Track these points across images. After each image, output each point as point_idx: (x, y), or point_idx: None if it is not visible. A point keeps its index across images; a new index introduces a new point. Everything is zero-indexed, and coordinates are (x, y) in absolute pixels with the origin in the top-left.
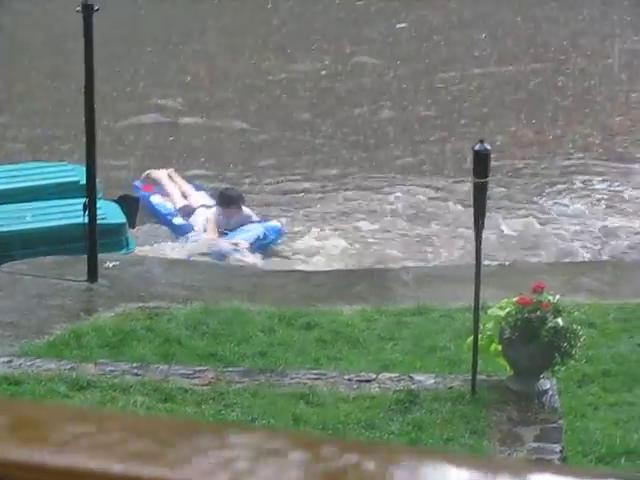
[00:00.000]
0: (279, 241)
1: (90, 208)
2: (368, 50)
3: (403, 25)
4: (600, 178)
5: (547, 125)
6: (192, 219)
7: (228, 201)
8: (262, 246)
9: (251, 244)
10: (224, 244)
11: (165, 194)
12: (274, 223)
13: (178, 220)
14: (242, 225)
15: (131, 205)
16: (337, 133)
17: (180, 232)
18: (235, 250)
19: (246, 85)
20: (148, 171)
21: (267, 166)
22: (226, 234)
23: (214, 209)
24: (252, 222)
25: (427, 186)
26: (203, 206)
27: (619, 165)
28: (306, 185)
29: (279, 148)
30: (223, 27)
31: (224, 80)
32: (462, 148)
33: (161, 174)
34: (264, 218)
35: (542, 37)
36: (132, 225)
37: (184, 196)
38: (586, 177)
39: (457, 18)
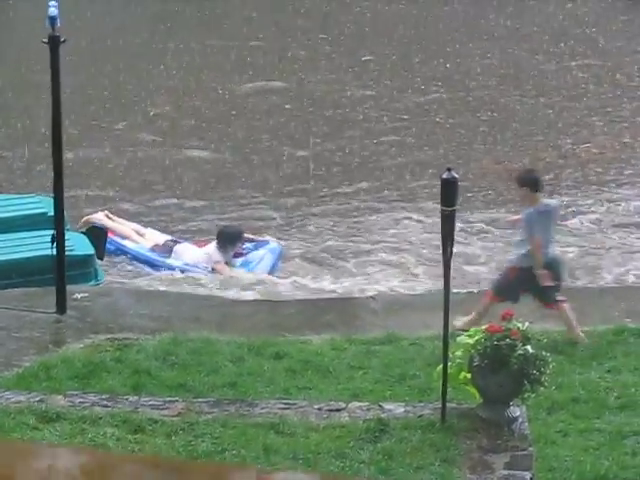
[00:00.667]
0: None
1: (58, 240)
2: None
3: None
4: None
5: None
6: (182, 256)
7: (231, 239)
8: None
9: (269, 272)
10: (248, 276)
11: (120, 236)
12: (274, 244)
13: (166, 259)
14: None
15: (99, 236)
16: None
17: (167, 269)
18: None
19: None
20: (85, 217)
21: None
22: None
23: (213, 245)
24: (250, 250)
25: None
26: (175, 242)
27: None
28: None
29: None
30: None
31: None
32: None
33: (99, 217)
34: (261, 241)
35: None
36: (100, 256)
37: (139, 234)
38: None
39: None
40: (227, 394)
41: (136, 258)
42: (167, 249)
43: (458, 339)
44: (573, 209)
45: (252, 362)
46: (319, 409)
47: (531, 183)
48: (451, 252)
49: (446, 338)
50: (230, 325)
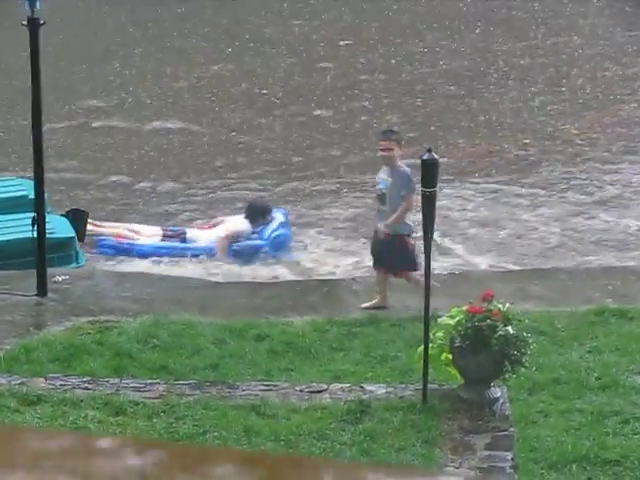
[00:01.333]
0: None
1: (39, 222)
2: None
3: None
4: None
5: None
6: (198, 241)
7: (262, 211)
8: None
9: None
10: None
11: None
12: (280, 215)
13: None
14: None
15: (80, 219)
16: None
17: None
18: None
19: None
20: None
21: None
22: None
23: (238, 219)
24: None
25: None
26: (179, 230)
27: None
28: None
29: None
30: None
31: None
32: None
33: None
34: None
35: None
36: (81, 239)
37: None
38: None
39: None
40: (208, 376)
41: (158, 252)
42: (180, 238)
43: (439, 320)
44: (554, 190)
45: (234, 344)
46: (300, 391)
47: (399, 137)
48: (432, 233)
49: (427, 319)
50: (212, 307)
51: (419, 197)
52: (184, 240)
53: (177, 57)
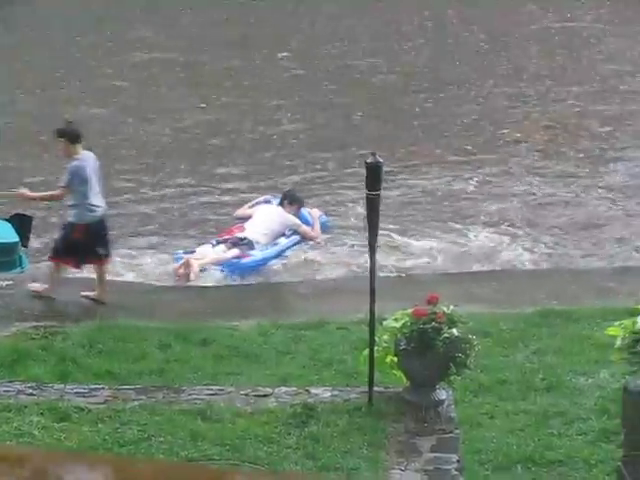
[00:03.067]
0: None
1: None
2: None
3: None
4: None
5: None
6: (262, 242)
7: (292, 199)
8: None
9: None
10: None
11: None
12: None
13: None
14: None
15: (24, 224)
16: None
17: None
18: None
19: None
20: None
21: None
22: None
23: (280, 211)
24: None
25: None
26: (240, 239)
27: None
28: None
29: None
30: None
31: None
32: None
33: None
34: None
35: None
36: (25, 244)
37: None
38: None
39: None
40: (154, 381)
41: (264, 263)
42: (248, 247)
43: (384, 323)
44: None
45: (179, 348)
46: (246, 395)
47: (70, 134)
48: (376, 235)
49: (372, 322)
50: (157, 312)
51: None
52: (251, 246)
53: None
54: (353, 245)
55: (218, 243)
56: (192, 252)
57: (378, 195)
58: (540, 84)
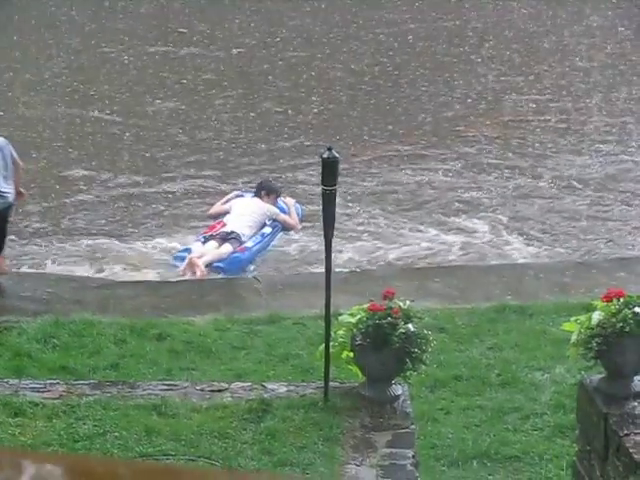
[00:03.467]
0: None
1: None
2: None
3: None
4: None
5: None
6: (249, 233)
7: (269, 189)
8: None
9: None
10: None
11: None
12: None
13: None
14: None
15: None
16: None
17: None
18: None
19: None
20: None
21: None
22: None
23: (258, 202)
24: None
25: None
26: (227, 233)
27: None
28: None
29: None
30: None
31: None
32: None
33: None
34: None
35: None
36: None
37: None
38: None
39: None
40: (109, 376)
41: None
42: (237, 240)
43: (340, 318)
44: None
45: (134, 344)
46: (201, 390)
47: None
48: (332, 231)
49: (328, 317)
50: (112, 307)
51: None
52: (240, 238)
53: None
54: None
55: (206, 240)
56: (187, 250)
57: (334, 190)
58: (497, 80)
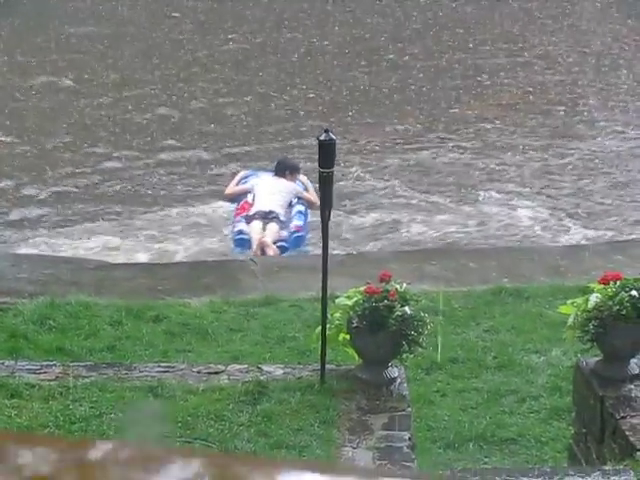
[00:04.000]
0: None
1: None
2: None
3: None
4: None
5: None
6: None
7: (292, 168)
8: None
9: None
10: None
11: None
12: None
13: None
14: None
15: None
16: None
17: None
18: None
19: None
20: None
21: None
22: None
23: (283, 182)
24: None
25: None
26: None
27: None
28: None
29: None
30: None
31: None
32: None
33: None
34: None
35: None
36: None
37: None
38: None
39: None
40: (105, 358)
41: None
42: (278, 219)
43: (337, 300)
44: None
45: (131, 325)
46: (198, 372)
47: None
48: (329, 213)
49: (325, 299)
50: (109, 288)
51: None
52: (271, 214)
53: None
54: None
55: (247, 220)
56: (241, 233)
57: (331, 173)
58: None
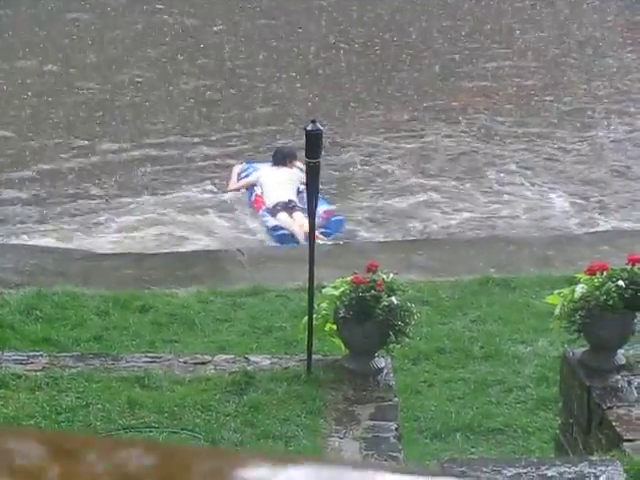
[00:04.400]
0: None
1: None
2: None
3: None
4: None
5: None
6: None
7: (293, 156)
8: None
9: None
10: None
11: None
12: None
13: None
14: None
15: None
16: None
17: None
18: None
19: None
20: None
21: None
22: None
23: (287, 170)
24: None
25: None
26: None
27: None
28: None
29: None
30: None
31: None
32: None
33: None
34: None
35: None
36: None
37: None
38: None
39: None
40: (92, 348)
41: None
42: (299, 208)
43: (324, 291)
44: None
45: (117, 316)
46: (185, 362)
47: None
48: (316, 203)
49: (311, 290)
50: (95, 278)
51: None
52: (290, 204)
53: None
54: None
55: (272, 213)
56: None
57: (318, 163)
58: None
